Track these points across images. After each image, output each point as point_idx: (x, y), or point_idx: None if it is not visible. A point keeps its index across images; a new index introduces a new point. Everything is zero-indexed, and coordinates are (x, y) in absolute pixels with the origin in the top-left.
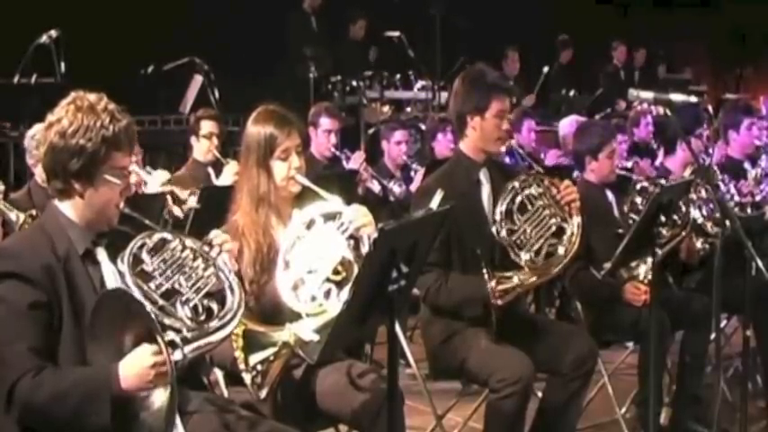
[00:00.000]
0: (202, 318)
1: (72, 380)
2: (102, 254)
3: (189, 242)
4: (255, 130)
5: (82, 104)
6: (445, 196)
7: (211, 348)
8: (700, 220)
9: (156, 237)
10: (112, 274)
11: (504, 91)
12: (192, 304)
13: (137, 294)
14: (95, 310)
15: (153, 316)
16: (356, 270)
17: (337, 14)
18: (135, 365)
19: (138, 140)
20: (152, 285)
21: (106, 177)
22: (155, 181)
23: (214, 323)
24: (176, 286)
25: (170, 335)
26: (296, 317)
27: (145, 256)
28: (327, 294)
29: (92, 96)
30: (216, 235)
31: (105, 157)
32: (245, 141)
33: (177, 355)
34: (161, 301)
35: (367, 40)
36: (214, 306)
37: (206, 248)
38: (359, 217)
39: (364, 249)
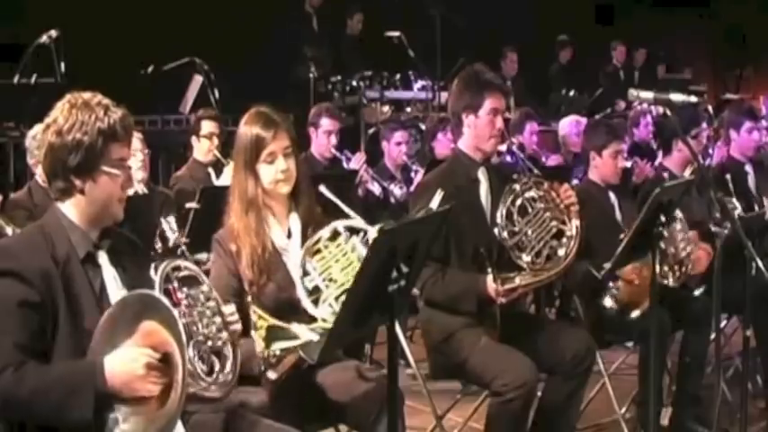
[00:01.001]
0: (205, 369)
1: (55, 374)
2: (103, 257)
3: (215, 295)
4: (243, 131)
5: (76, 102)
6: (444, 194)
7: (194, 398)
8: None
9: (192, 268)
10: (113, 278)
11: (498, 89)
12: (200, 350)
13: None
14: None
15: (182, 328)
16: None
17: (337, 13)
18: (125, 367)
19: (143, 141)
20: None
21: (105, 169)
22: None
23: (209, 380)
24: (193, 327)
25: None
26: (295, 316)
27: (175, 281)
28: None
29: (86, 94)
30: (232, 311)
31: (103, 150)
32: (236, 142)
33: None
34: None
35: (365, 34)
36: (216, 365)
37: (226, 312)
38: None
39: None
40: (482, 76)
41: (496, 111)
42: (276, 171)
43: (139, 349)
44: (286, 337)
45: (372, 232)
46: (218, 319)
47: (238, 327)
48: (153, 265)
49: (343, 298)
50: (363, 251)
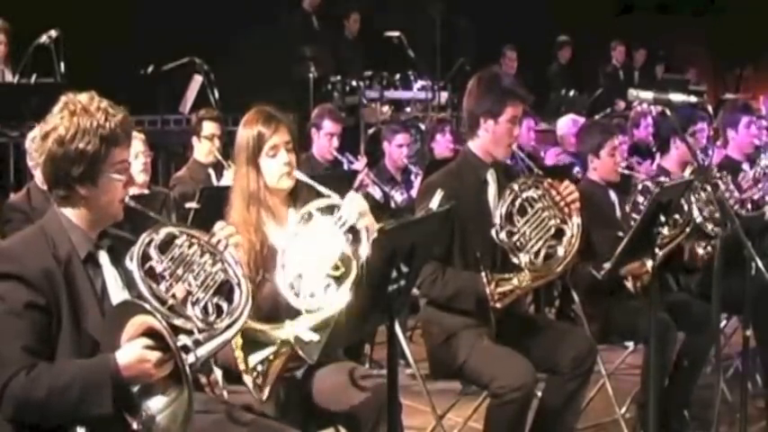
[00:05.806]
0: (212, 317)
1: (70, 373)
2: (104, 257)
3: (195, 237)
4: (244, 131)
5: (75, 108)
6: (451, 194)
7: (222, 347)
8: (699, 220)
9: (163, 232)
10: (114, 278)
11: (519, 98)
12: (202, 304)
13: (147, 297)
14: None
15: (164, 324)
16: (355, 265)
17: (336, 13)
18: (137, 356)
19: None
20: (162, 287)
21: (107, 174)
22: None
23: (225, 321)
24: (186, 287)
25: (182, 339)
26: (294, 315)
27: (153, 253)
28: (326, 290)
29: (83, 98)
30: (221, 227)
31: (105, 156)
32: (236, 144)
33: (190, 359)
34: (171, 301)
35: (364, 34)
36: (223, 304)
37: (213, 242)
38: (354, 209)
39: (363, 242)
40: (504, 83)
41: (515, 119)
42: (280, 164)
43: (144, 344)
44: (263, 342)
45: (345, 206)
46: (207, 259)
47: (236, 239)
48: (128, 255)
49: (324, 282)
50: (338, 232)
